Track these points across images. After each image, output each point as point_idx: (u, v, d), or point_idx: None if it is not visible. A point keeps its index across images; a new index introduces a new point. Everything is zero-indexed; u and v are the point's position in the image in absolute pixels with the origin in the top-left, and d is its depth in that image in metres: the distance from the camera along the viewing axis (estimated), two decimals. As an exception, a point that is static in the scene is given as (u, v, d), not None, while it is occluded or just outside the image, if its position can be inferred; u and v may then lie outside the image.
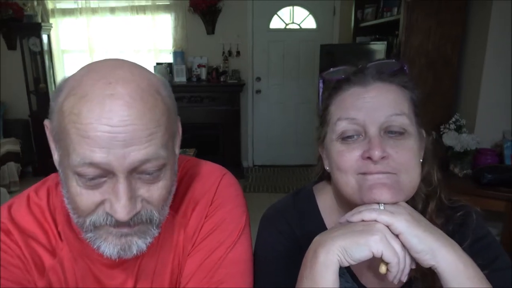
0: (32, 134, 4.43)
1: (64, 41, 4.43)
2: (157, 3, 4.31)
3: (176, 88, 4.28)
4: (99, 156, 0.50)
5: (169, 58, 4.37)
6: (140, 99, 0.52)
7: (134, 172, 0.53)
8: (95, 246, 0.57)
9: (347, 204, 0.68)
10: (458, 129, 2.12)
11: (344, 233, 0.56)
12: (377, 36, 3.09)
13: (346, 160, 0.63)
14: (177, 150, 0.63)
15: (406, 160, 0.61)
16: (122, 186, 0.52)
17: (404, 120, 0.62)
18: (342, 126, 0.64)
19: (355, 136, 0.63)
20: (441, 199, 0.69)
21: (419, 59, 2.24)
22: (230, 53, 4.43)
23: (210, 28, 4.37)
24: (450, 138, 2.09)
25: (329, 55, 3.26)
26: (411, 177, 0.62)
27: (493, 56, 2.10)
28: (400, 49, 2.24)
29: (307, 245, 0.61)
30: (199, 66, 4.33)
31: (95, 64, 0.56)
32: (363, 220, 0.57)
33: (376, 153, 0.59)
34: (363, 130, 0.62)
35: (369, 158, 0.60)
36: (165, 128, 0.55)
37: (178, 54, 4.31)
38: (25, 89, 4.26)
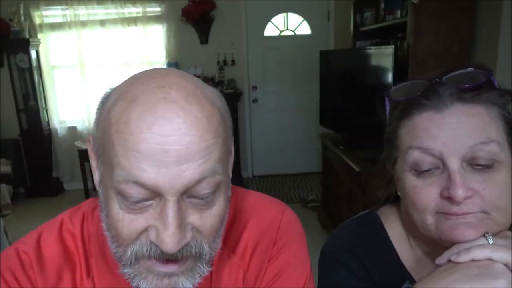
0: (23, 153, 4.28)
1: (54, 56, 4.29)
2: (148, 14, 4.21)
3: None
4: (147, 175, 0.42)
5: (163, 70, 4.26)
6: (196, 105, 0.45)
7: (186, 194, 0.45)
8: (133, 285, 0.48)
9: (421, 236, 0.59)
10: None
11: (458, 279, 0.47)
12: (378, 40, 3.03)
13: (422, 198, 0.54)
14: (230, 173, 0.54)
15: (497, 197, 0.51)
16: (171, 211, 0.43)
17: (493, 148, 0.51)
18: (415, 156, 0.54)
19: (431, 170, 0.53)
20: None
21: (428, 61, 2.18)
22: (225, 62, 4.35)
23: (204, 37, 4.29)
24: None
25: (330, 61, 3.19)
26: (504, 214, 0.52)
27: (505, 56, 2.05)
28: (409, 52, 2.18)
29: (383, 283, 0.52)
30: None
31: (145, 71, 0.50)
32: (472, 260, 0.48)
33: (459, 193, 0.49)
34: (440, 163, 0.52)
35: (450, 197, 0.50)
36: (223, 140, 0.47)
37: (172, 65, 4.21)
38: (14, 107, 4.11)
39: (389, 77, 2.26)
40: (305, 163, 4.70)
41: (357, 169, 2.34)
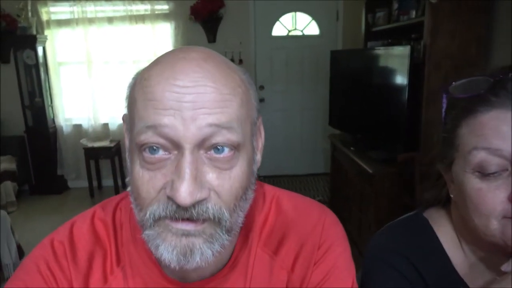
0: (28, 151, 4.25)
1: (61, 53, 4.26)
2: (156, 12, 4.19)
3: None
4: (164, 119, 0.43)
5: (170, 68, 4.23)
6: (215, 65, 0.46)
7: (203, 147, 0.45)
8: (153, 248, 0.47)
9: (476, 241, 0.56)
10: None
11: None
12: (390, 41, 3.00)
13: (487, 201, 0.51)
14: (259, 156, 0.56)
15: None
16: (186, 160, 0.43)
17: None
18: (480, 157, 0.51)
19: (498, 172, 0.50)
20: None
21: (444, 62, 2.15)
22: (232, 61, 4.29)
23: (212, 36, 4.26)
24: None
25: (340, 61, 3.16)
26: None
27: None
28: (426, 53, 2.15)
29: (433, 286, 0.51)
30: (201, 75, 4.21)
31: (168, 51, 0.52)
32: None
33: None
34: (509, 164, 0.50)
35: None
36: (242, 101, 0.47)
37: (179, 63, 4.18)
38: (20, 104, 4.08)
39: (405, 78, 2.23)
40: (312, 164, 4.67)
41: (370, 171, 2.31)
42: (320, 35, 4.40)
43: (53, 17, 4.17)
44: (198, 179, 0.44)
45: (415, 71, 2.22)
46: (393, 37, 2.98)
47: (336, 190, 3.22)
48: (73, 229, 0.57)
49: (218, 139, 0.44)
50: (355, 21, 3.83)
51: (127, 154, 0.51)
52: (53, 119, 4.32)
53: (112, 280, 0.55)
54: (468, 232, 0.57)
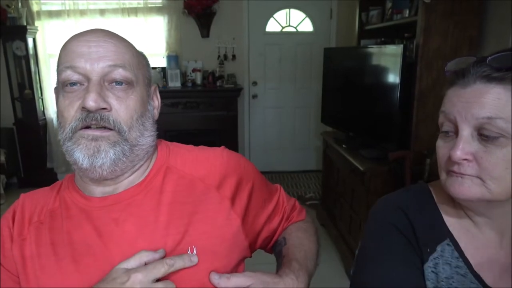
0: (17, 143, 4.19)
1: (51, 44, 4.20)
2: (149, 5, 4.15)
3: (170, 94, 4.08)
4: (78, 63, 0.64)
5: (163, 62, 4.20)
6: (114, 35, 0.69)
7: (106, 80, 0.65)
8: (71, 156, 0.65)
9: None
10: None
11: None
12: (383, 39, 3.01)
13: (440, 157, 0.65)
14: (156, 112, 0.76)
15: (493, 167, 0.59)
16: (92, 83, 0.64)
17: (500, 124, 0.58)
18: (440, 119, 0.65)
19: (450, 133, 0.63)
20: None
21: (436, 62, 2.17)
22: (225, 56, 4.30)
23: (205, 31, 4.23)
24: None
25: (334, 59, 3.16)
26: (498, 185, 0.59)
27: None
28: (418, 52, 2.16)
29: (425, 240, 0.66)
30: (194, 70, 4.19)
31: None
32: None
33: (456, 154, 0.60)
34: (455, 128, 0.62)
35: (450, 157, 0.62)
36: (133, 55, 0.69)
37: (172, 58, 4.15)
38: (9, 96, 4.03)
39: (397, 77, 2.25)
40: (304, 161, 4.69)
41: (362, 168, 2.32)
42: (313, 32, 4.40)
43: (44, 8, 4.11)
44: (101, 95, 0.63)
45: (407, 70, 2.23)
46: (386, 36, 2.99)
47: (328, 187, 3.24)
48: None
49: (116, 74, 0.65)
50: (348, 19, 3.84)
51: (55, 99, 0.70)
52: (43, 112, 4.27)
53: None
54: None
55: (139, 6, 4.13)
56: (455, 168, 0.60)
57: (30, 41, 4.00)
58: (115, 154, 0.64)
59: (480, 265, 0.66)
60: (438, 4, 2.11)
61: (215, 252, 0.69)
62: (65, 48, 0.66)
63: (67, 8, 4.07)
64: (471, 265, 0.66)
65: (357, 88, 2.77)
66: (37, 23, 4.09)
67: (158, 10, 4.16)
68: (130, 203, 0.69)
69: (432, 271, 0.66)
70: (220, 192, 0.74)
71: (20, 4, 3.93)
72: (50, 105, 4.28)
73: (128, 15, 4.13)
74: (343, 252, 2.66)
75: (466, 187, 0.60)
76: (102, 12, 4.12)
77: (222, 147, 0.83)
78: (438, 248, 0.67)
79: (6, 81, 3.99)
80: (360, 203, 2.45)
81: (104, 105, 0.63)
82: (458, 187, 0.60)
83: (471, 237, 0.67)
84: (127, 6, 4.12)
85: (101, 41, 0.65)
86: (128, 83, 0.66)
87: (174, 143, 0.82)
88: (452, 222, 0.69)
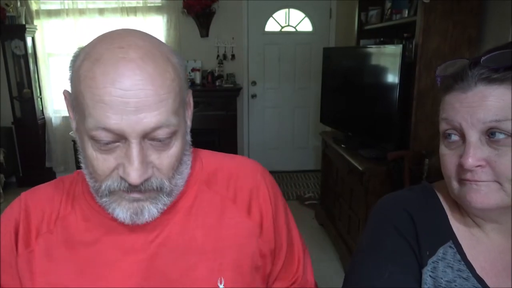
0: (16, 142, 4.19)
1: (50, 43, 4.20)
2: (148, 5, 4.15)
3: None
4: (113, 122, 0.52)
5: (162, 62, 4.19)
6: (151, 63, 0.54)
7: (146, 138, 0.55)
8: (110, 210, 0.60)
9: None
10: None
11: None
12: (382, 39, 3.01)
13: (446, 165, 0.63)
14: (189, 122, 0.66)
15: (508, 169, 0.57)
16: (134, 151, 0.54)
17: (509, 126, 0.57)
18: (442, 127, 0.63)
19: (456, 140, 0.61)
20: None
21: (436, 62, 2.17)
22: (225, 56, 4.30)
23: (204, 30, 4.23)
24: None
25: (333, 59, 3.16)
26: None
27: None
28: (417, 52, 2.16)
29: (426, 240, 0.65)
30: (193, 70, 4.19)
31: (108, 33, 0.58)
32: None
33: (468, 162, 0.58)
34: (462, 134, 0.60)
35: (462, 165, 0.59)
36: (175, 94, 0.57)
37: (171, 57, 4.15)
38: (8, 95, 4.02)
39: (396, 77, 2.25)
40: (303, 160, 4.69)
41: (360, 168, 2.32)
42: (313, 32, 4.40)
43: (43, 7, 4.11)
44: (144, 163, 0.55)
45: (406, 70, 2.23)
46: (385, 36, 2.99)
47: (327, 187, 3.24)
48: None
49: (159, 133, 0.55)
50: (348, 19, 3.84)
51: (74, 129, 0.61)
52: (42, 111, 4.27)
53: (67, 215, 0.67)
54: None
55: (138, 5, 4.13)
56: (469, 176, 0.58)
57: (29, 40, 4.00)
58: (157, 210, 0.61)
59: (483, 269, 0.64)
60: (437, 4, 2.11)
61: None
62: (92, 90, 0.53)
63: (66, 7, 4.07)
64: (474, 269, 0.64)
65: (356, 88, 2.77)
66: (36, 22, 4.09)
67: (157, 9, 4.16)
68: (163, 229, 0.66)
69: (430, 276, 0.65)
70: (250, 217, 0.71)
71: (19, 3, 3.93)
72: (49, 104, 4.27)
73: (127, 15, 4.13)
74: (342, 252, 2.66)
75: (483, 194, 0.58)
76: (101, 11, 4.12)
77: (258, 168, 0.76)
78: (440, 251, 0.65)
79: (5, 80, 3.99)
80: (359, 203, 2.45)
81: (148, 175, 0.57)
82: (475, 196, 0.58)
83: (475, 240, 0.66)
84: (126, 5, 4.11)
85: (140, 88, 0.52)
86: (171, 134, 0.57)
87: (206, 153, 0.77)
88: (457, 224, 0.67)
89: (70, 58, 0.59)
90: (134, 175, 0.54)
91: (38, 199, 0.68)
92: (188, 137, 0.66)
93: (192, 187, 0.69)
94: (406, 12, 2.51)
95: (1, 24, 3.89)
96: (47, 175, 4.26)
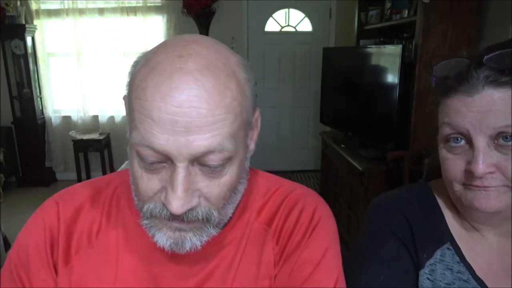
0: (15, 142, 4.18)
1: (50, 43, 4.20)
2: (148, 5, 4.15)
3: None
4: (158, 141, 0.46)
5: (162, 62, 4.19)
6: (211, 77, 0.46)
7: (195, 162, 0.48)
8: (150, 233, 0.54)
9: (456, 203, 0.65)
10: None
11: None
12: (382, 39, 3.02)
13: (450, 170, 0.61)
14: (252, 145, 0.58)
15: None
16: (179, 176, 0.47)
17: None
18: (446, 131, 0.60)
19: (461, 145, 0.59)
20: None
21: (435, 62, 2.16)
22: (225, 56, 4.30)
23: (204, 30, 4.23)
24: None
25: (333, 59, 3.16)
26: None
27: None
28: (417, 52, 2.16)
29: (423, 241, 0.63)
30: (193, 69, 4.19)
31: (174, 38, 0.53)
32: None
33: (479, 169, 0.56)
34: (468, 139, 0.58)
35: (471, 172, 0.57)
36: (235, 115, 0.49)
37: (171, 57, 4.15)
38: (8, 95, 4.02)
39: (396, 77, 2.25)
40: (302, 160, 4.69)
41: (360, 168, 2.32)
42: (313, 32, 4.40)
43: (43, 6, 4.10)
44: (189, 191, 0.48)
45: (406, 70, 2.23)
46: (385, 36, 2.99)
47: (326, 187, 3.24)
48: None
49: (210, 158, 0.48)
50: (348, 19, 3.84)
51: (127, 136, 0.54)
52: (42, 111, 4.26)
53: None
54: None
55: (138, 5, 4.12)
56: (478, 182, 0.57)
57: (29, 39, 3.99)
58: (201, 242, 0.53)
59: (482, 270, 0.63)
60: (437, 4, 2.12)
61: None
62: (142, 102, 0.47)
63: (66, 7, 4.06)
64: (474, 270, 0.63)
65: (356, 88, 2.77)
66: (36, 21, 4.09)
67: (157, 9, 4.16)
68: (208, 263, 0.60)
69: (428, 278, 0.63)
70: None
71: (19, 3, 3.92)
72: (48, 104, 4.27)
73: (127, 15, 4.12)
74: (341, 252, 2.66)
75: (493, 198, 0.57)
76: (101, 11, 4.11)
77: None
78: (438, 253, 0.64)
79: (5, 80, 3.98)
80: (359, 203, 2.45)
81: (193, 205, 0.49)
82: (484, 201, 0.57)
83: (472, 241, 0.65)
84: (126, 5, 4.11)
85: (193, 105, 0.45)
86: (225, 161, 0.49)
87: (265, 176, 0.69)
88: (454, 225, 0.66)
89: (131, 63, 0.53)
90: (176, 205, 0.47)
91: (75, 208, 0.62)
92: (247, 164, 0.57)
93: (245, 214, 0.61)
94: (406, 12, 2.51)
95: (1, 23, 3.88)
96: (47, 175, 4.27)
